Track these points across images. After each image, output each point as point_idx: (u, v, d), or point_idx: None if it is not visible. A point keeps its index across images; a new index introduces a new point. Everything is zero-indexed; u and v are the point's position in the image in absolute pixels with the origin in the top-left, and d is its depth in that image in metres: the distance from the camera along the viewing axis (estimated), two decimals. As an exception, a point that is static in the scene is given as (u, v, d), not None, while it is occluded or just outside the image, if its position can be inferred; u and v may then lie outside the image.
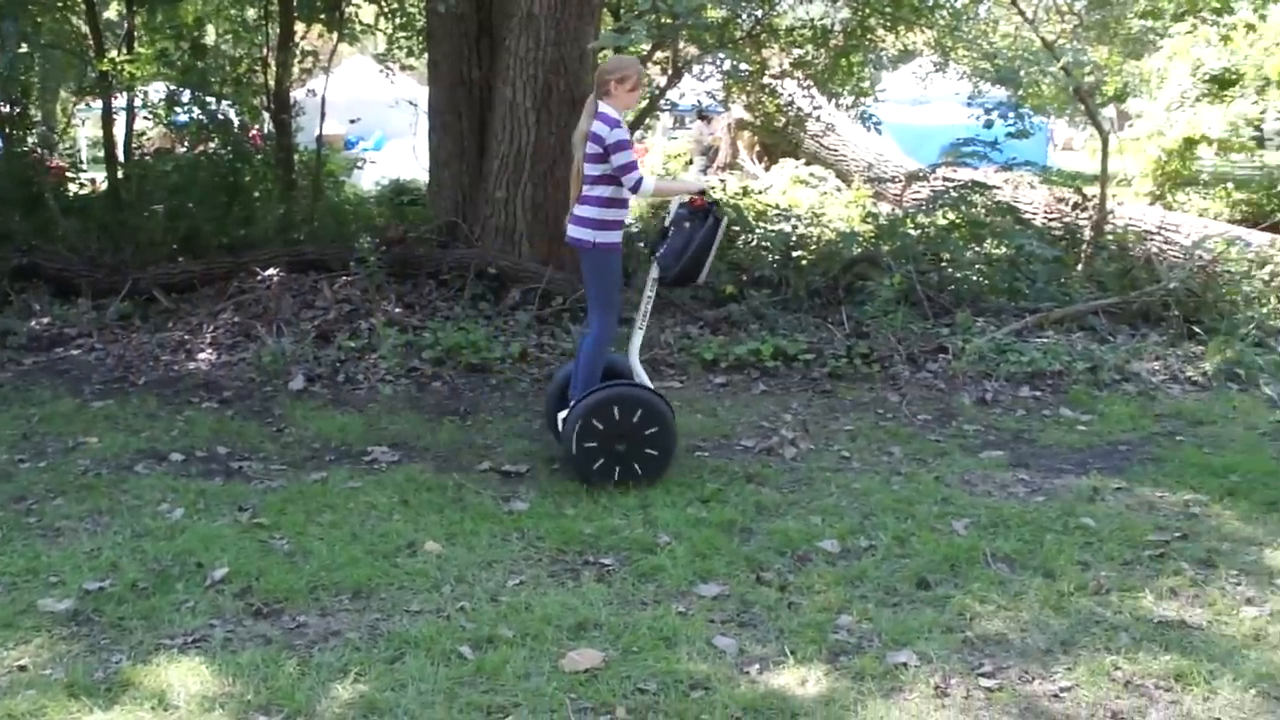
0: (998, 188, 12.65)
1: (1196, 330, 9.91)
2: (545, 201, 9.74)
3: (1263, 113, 16.76)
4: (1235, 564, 5.45)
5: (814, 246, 11.67)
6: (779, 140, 16.53)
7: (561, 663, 4.39)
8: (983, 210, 11.83)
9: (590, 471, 6.26)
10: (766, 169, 19.22)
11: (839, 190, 17.39)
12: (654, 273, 6.52)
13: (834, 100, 13.05)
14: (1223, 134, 16.09)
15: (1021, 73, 11.29)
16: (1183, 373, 9.04)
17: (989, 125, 11.22)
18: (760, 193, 14.81)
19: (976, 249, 11.52)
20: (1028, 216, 12.97)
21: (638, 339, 6.64)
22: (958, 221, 11.66)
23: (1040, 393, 8.53)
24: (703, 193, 6.47)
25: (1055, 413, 8.09)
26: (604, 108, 6.24)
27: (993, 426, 7.76)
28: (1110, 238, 12.28)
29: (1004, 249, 11.46)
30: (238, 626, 4.72)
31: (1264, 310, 10.37)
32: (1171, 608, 4.98)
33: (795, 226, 11.66)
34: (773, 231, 11.38)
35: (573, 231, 6.37)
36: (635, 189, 6.17)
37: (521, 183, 9.72)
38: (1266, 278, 10.92)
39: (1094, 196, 12.77)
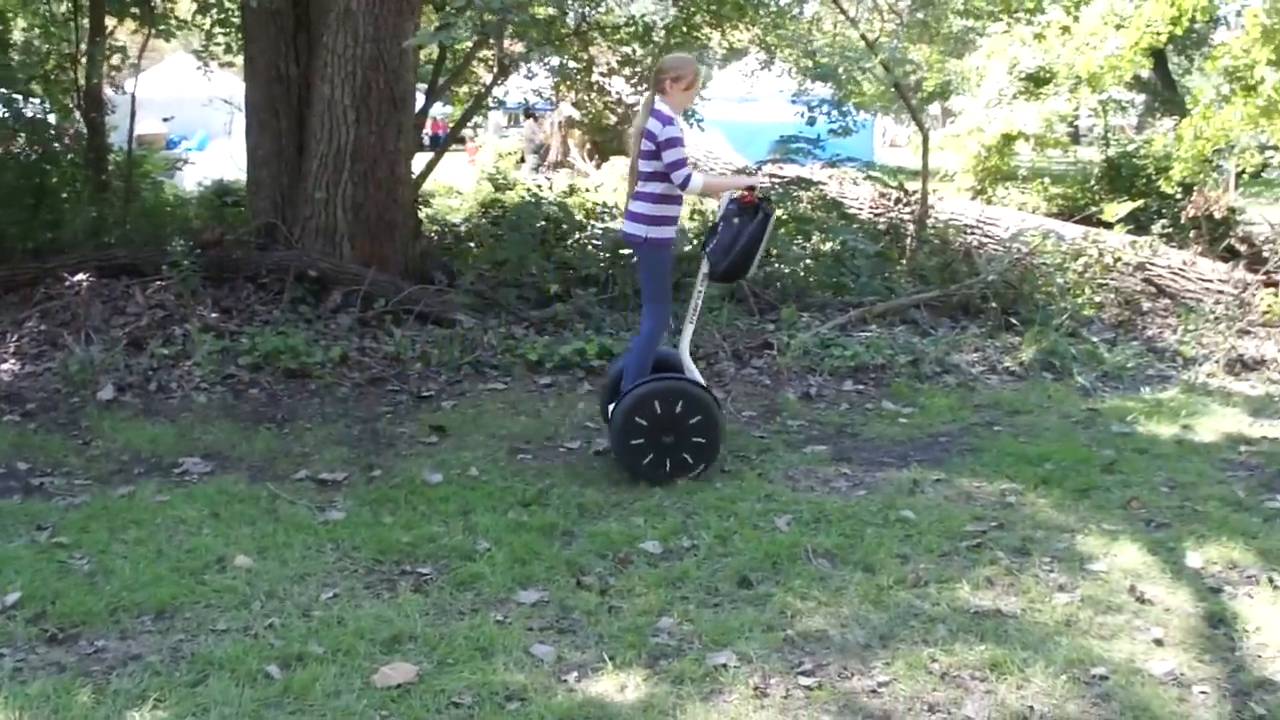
0: (824, 184, 12.81)
1: (1014, 322, 10.16)
2: (366, 202, 9.52)
3: (1076, 110, 17.30)
4: (1048, 551, 5.56)
5: (643, 244, 11.62)
6: (609, 138, 16.52)
7: (374, 678, 4.24)
8: (809, 206, 11.96)
9: (640, 468, 6.40)
10: (598, 167, 19.20)
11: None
12: (704, 268, 6.59)
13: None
14: (1039, 130, 16.57)
15: (841, 70, 11.43)
16: (1000, 363, 9.24)
17: (811, 122, 11.34)
18: (589, 191, 14.75)
19: (802, 244, 11.62)
20: (853, 212, 13.17)
21: (688, 334, 6.73)
22: (784, 217, 11.75)
23: (863, 386, 8.62)
24: (751, 189, 6.50)
25: (878, 406, 8.18)
26: (659, 105, 6.38)
27: (816, 421, 7.81)
28: (932, 232, 12.53)
29: (829, 244, 11.59)
30: (29, 655, 4.45)
31: (1077, 301, 10.68)
32: (987, 597, 5.04)
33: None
34: (601, 230, 11.32)
35: (626, 227, 6.59)
36: (684, 185, 6.27)
37: (342, 183, 9.47)
38: (1080, 269, 11.24)
39: (916, 192, 13.02)
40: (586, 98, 13.47)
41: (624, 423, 6.35)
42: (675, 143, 6.26)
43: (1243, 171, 14.95)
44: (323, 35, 9.47)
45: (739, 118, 21.43)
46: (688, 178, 6.23)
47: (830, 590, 5.07)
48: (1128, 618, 4.88)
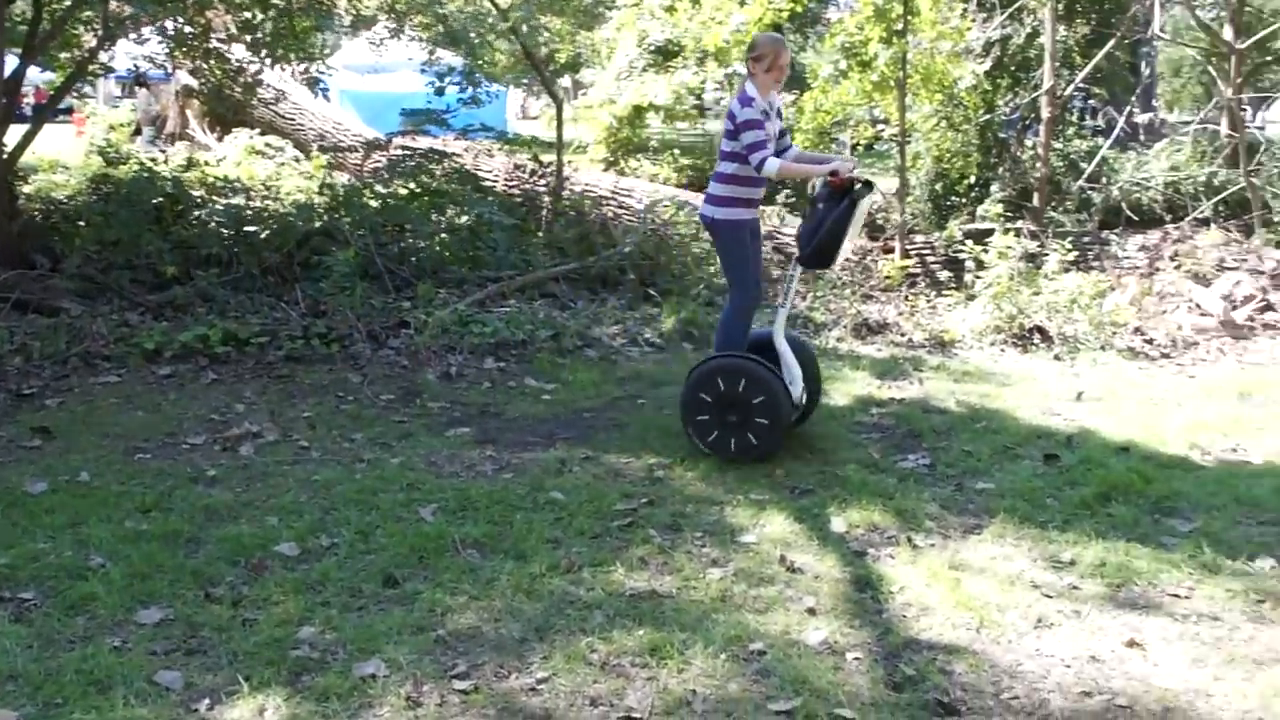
0: (457, 155, 12.50)
1: (652, 293, 10.20)
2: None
3: (703, 83, 17.66)
4: (699, 526, 5.50)
5: (269, 221, 11.00)
6: (230, 109, 15.59)
7: (-36, 728, 3.68)
8: (443, 179, 11.63)
9: (706, 443, 6.40)
10: (220, 139, 18.14)
11: (298, 161, 16.68)
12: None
13: (281, 66, 12.36)
14: (668, 102, 16.79)
15: (474, 36, 11.14)
16: (641, 335, 9.23)
17: (440, 92, 11.02)
18: (211, 164, 13.87)
19: (437, 218, 11.29)
20: (488, 184, 12.93)
21: (780, 316, 6.61)
22: (418, 191, 11.38)
23: (505, 364, 8.41)
24: (834, 173, 6.18)
25: (521, 383, 7.99)
26: (746, 86, 6.35)
27: (458, 402, 7.54)
28: (568, 204, 12.45)
29: (465, 218, 11.30)
30: None
31: (711, 270, 10.83)
32: (642, 578, 4.91)
33: (248, 200, 10.95)
34: (222, 206, 10.61)
35: (701, 207, 6.66)
36: (759, 168, 6.18)
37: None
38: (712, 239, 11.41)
39: (551, 164, 12.91)
40: (205, 65, 12.60)
41: (689, 396, 6.42)
42: (753, 125, 6.19)
43: (857, 143, 15.63)
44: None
45: (370, 88, 20.79)
46: (762, 161, 6.14)
47: (481, 583, 4.80)
48: (780, 588, 4.85)
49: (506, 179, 13.56)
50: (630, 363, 8.61)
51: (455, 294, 9.64)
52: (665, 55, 16.89)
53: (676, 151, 17.32)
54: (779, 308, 6.67)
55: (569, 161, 13.89)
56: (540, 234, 11.85)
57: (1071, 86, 13.91)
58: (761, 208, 7.18)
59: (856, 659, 4.27)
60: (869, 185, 6.40)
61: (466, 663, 4.16)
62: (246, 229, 10.09)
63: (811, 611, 4.65)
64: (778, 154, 6.38)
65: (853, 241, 6.63)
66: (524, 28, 11.53)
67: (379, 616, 4.49)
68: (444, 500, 5.68)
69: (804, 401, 6.72)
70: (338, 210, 10.82)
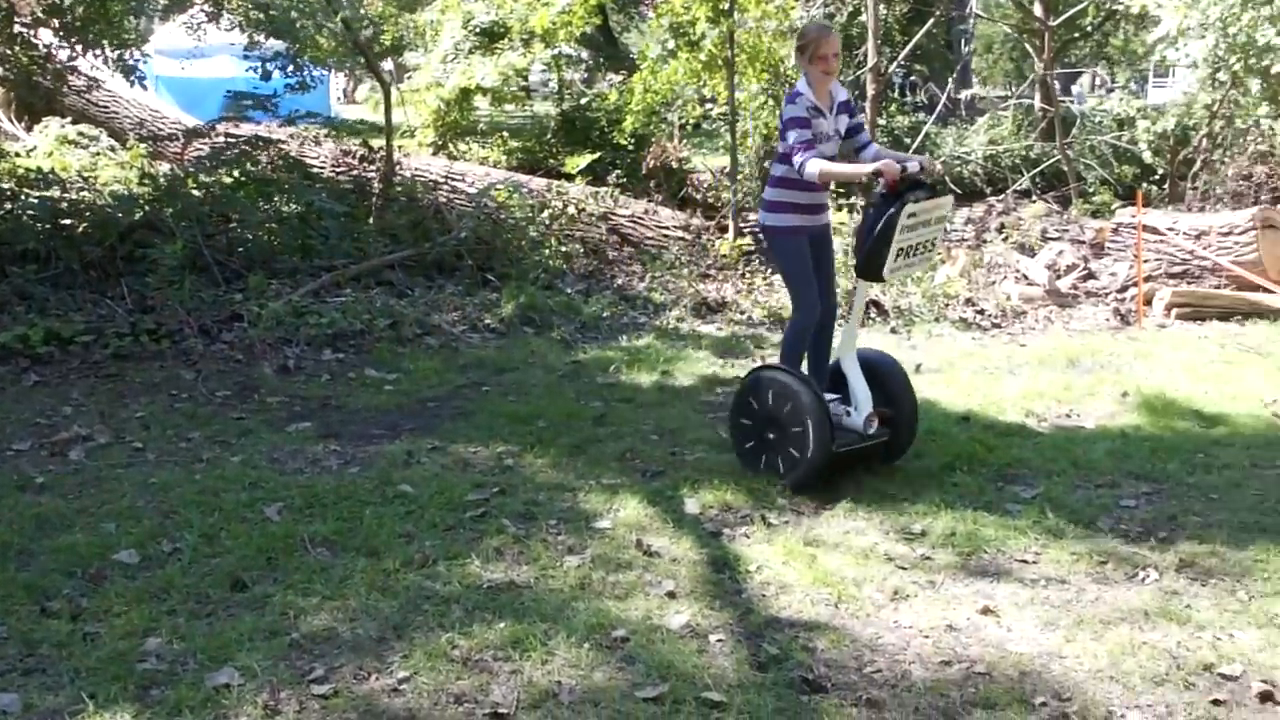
0: (284, 142, 12.17)
1: (490, 278, 10.09)
2: None
3: (530, 64, 17.54)
4: (553, 513, 5.44)
5: (87, 214, 10.54)
6: (41, 97, 14.89)
7: None
8: (269, 166, 11.31)
9: (740, 451, 6.05)
10: (29, 129, 17.33)
11: (114, 150, 16.04)
12: None
13: (93, 52, 11.84)
14: (495, 85, 16.63)
15: (299, 24, 10.85)
16: (482, 321, 9.13)
17: (266, 77, 10.70)
18: (21, 155, 13.23)
19: (265, 207, 10.96)
20: (316, 171, 12.61)
21: (844, 335, 6.02)
22: (243, 179, 11.04)
23: (344, 354, 8.24)
24: (878, 174, 5.53)
25: (361, 374, 7.83)
26: (799, 81, 5.87)
27: (298, 396, 7.34)
28: (400, 189, 12.23)
29: (294, 206, 11.00)
30: None
31: (546, 253, 10.76)
32: (499, 570, 4.83)
33: (63, 192, 10.47)
34: (36, 199, 10.13)
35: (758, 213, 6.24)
36: (801, 171, 5.65)
37: None
38: (547, 221, 11.34)
39: (381, 149, 12.67)
40: (9, 51, 12.00)
41: (736, 401, 6.03)
42: (797, 123, 5.68)
43: (685, 123, 15.72)
44: None
45: (188, 74, 20.06)
46: (802, 163, 5.61)
47: (334, 582, 4.66)
48: (639, 573, 4.83)
49: (335, 165, 13.24)
50: (472, 349, 8.51)
51: (288, 284, 9.39)
52: (491, 37, 16.73)
53: (506, 134, 17.19)
54: (842, 326, 6.11)
55: (399, 146, 13.64)
56: (372, 221, 11.61)
57: (895, 64, 14.19)
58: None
59: (720, 641, 4.27)
60: (926, 187, 5.63)
61: (324, 666, 4.03)
62: (63, 222, 9.64)
63: (671, 595, 4.63)
64: (857, 151, 5.92)
65: (913, 252, 5.70)
66: (346, 9, 11.25)
67: (229, 623, 4.32)
68: (289, 498, 5.52)
69: (874, 429, 5.87)
70: (160, 201, 10.40)
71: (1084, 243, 11.24)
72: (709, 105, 15.06)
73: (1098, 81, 25.88)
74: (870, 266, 5.67)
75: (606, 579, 4.77)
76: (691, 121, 15.80)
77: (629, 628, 4.34)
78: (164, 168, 13.05)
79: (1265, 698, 3.89)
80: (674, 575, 4.82)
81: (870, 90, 13.03)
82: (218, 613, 4.42)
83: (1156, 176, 14.58)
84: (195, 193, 10.50)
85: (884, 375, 6.04)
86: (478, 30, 16.96)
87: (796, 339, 5.98)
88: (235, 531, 5.11)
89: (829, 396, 5.88)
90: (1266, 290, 9.68)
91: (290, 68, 11.70)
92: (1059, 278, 10.47)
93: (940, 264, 10.57)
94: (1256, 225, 10.00)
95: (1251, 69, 12.21)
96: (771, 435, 5.82)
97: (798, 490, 5.69)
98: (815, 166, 5.58)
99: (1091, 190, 13.89)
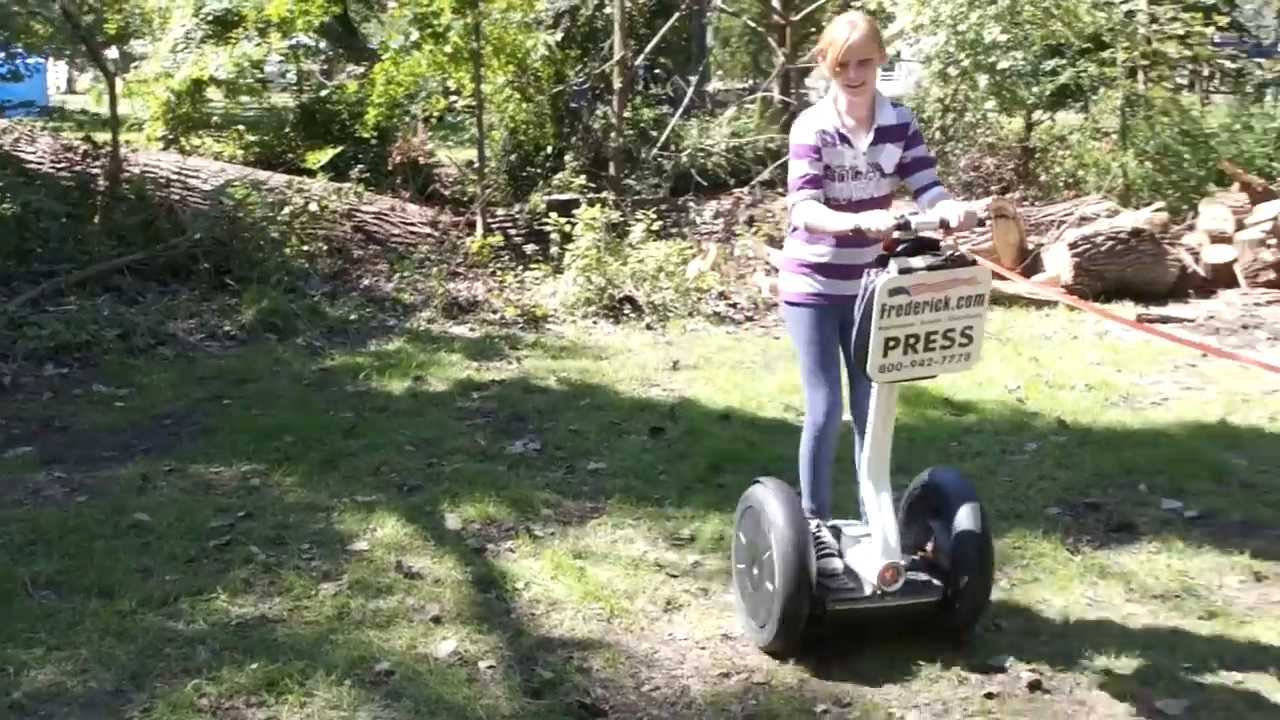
0: (-7, 137, 11.32)
1: (229, 281, 9.57)
2: None
3: (266, 55, 16.86)
4: (306, 537, 5.14)
5: None
6: None
7: None
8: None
9: (734, 585, 4.51)
10: None
11: None
12: None
13: None
14: (230, 75, 15.90)
15: (12, 8, 10.08)
16: (221, 328, 8.66)
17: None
18: None
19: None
20: (33, 168, 11.74)
21: (863, 446, 4.27)
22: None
23: (68, 369, 7.68)
24: (857, 229, 4.01)
25: (88, 390, 7.29)
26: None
27: (17, 417, 6.77)
28: (128, 187, 11.49)
29: (8, 206, 10.20)
30: None
31: (288, 253, 10.29)
32: (248, 603, 4.50)
33: None
34: None
35: None
36: (791, 219, 4.40)
37: None
38: (288, 219, 10.84)
39: (106, 144, 11.90)
40: None
41: (737, 516, 4.54)
42: (800, 153, 4.31)
43: (429, 116, 15.36)
44: None
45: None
46: (794, 206, 4.29)
47: (61, 628, 4.24)
48: (400, 598, 4.58)
49: (55, 161, 12.36)
50: (211, 359, 8.03)
51: (3, 293, 8.69)
52: (225, 26, 15.97)
53: (241, 128, 16.46)
54: (857, 436, 4.46)
55: (126, 141, 12.85)
56: (98, 222, 10.87)
57: (641, 57, 14.17)
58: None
59: (490, 668, 4.07)
60: (939, 252, 3.98)
61: (53, 728, 3.64)
62: None
63: (437, 620, 4.40)
64: (915, 195, 4.36)
65: (921, 344, 3.94)
66: (73, 2, 10.52)
67: (-64, 685, 3.88)
68: (7, 534, 5.04)
69: (892, 586, 4.10)
70: None
71: (830, 233, 11.44)
72: (454, 98, 14.73)
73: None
74: (859, 358, 4.04)
75: (366, 607, 4.50)
76: (436, 115, 15.46)
77: (393, 660, 4.09)
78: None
79: (1034, 686, 3.95)
80: (438, 598, 4.59)
81: (617, 84, 12.96)
82: (-77, 673, 3.96)
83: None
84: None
85: (947, 506, 4.30)
86: (210, 19, 16.18)
87: (809, 449, 4.49)
88: (-58, 577, 4.61)
89: (854, 530, 4.38)
90: (1002, 277, 10.01)
91: (2, 56, 10.89)
92: (808, 269, 10.59)
93: (692, 257, 10.56)
94: (991, 214, 10.33)
95: (979, 65, 12.67)
96: (756, 572, 4.28)
97: (768, 653, 4.19)
98: (803, 213, 4.22)
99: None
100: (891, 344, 3.90)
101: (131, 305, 8.84)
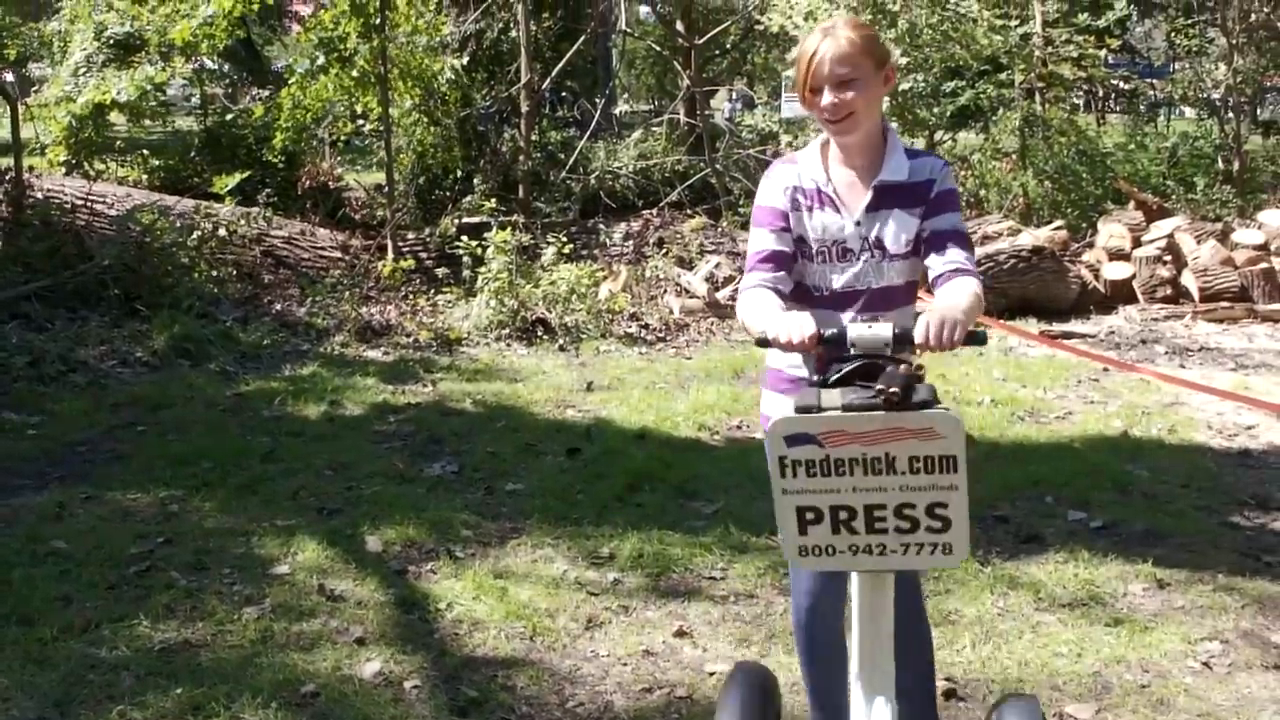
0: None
1: (139, 307, 9.50)
2: None
3: (169, 78, 16.71)
4: (227, 562, 5.15)
5: None
6: None
7: None
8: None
9: None
10: None
11: None
12: None
13: None
14: (132, 99, 15.75)
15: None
16: (133, 354, 8.60)
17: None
18: None
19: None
20: (-68, 195, 11.56)
21: (852, 637, 2.98)
22: None
23: (-20, 398, 7.57)
24: (762, 338, 2.87)
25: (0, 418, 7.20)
26: None
27: (-74, 448, 6.69)
28: (32, 213, 11.35)
29: (-90, 235, 10.07)
30: None
31: (198, 278, 10.24)
32: (171, 628, 4.52)
33: None
34: None
35: None
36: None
37: None
38: (196, 244, 10.78)
39: (9, 169, 11.74)
40: None
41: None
42: (756, 218, 3.18)
43: (336, 139, 15.34)
44: None
45: None
46: (739, 292, 3.13)
47: (-16, 657, 4.25)
48: (324, 620, 4.62)
49: (-46, 188, 12.19)
50: (124, 386, 7.97)
51: (-94, 322, 8.57)
52: (127, 49, 15.81)
53: (146, 152, 16.29)
54: (850, 634, 3.06)
55: (29, 166, 12.68)
56: (2, 248, 10.73)
57: (548, 80, 14.28)
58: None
59: (416, 688, 4.13)
60: (890, 375, 2.66)
61: (-23, 756, 3.66)
62: None
63: (361, 641, 4.46)
64: (932, 285, 3.07)
65: (857, 522, 2.71)
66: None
67: None
68: (-77, 565, 5.00)
69: None
70: None
71: (739, 254, 11.61)
72: (361, 122, 14.72)
73: (734, 96, 26.93)
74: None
75: (290, 629, 4.54)
76: (343, 138, 15.44)
77: (318, 681, 4.14)
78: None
79: (949, 695, 4.07)
80: (361, 620, 4.64)
81: (525, 107, 13.05)
82: None
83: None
84: None
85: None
86: (111, 42, 16.01)
87: (799, 641, 3.44)
88: None
89: None
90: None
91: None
92: (718, 289, 10.76)
93: (603, 279, 10.67)
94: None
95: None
96: None
97: None
98: (740, 306, 3.06)
99: (739, 202, 14.40)
100: (810, 517, 2.70)
101: (40, 332, 8.75)
